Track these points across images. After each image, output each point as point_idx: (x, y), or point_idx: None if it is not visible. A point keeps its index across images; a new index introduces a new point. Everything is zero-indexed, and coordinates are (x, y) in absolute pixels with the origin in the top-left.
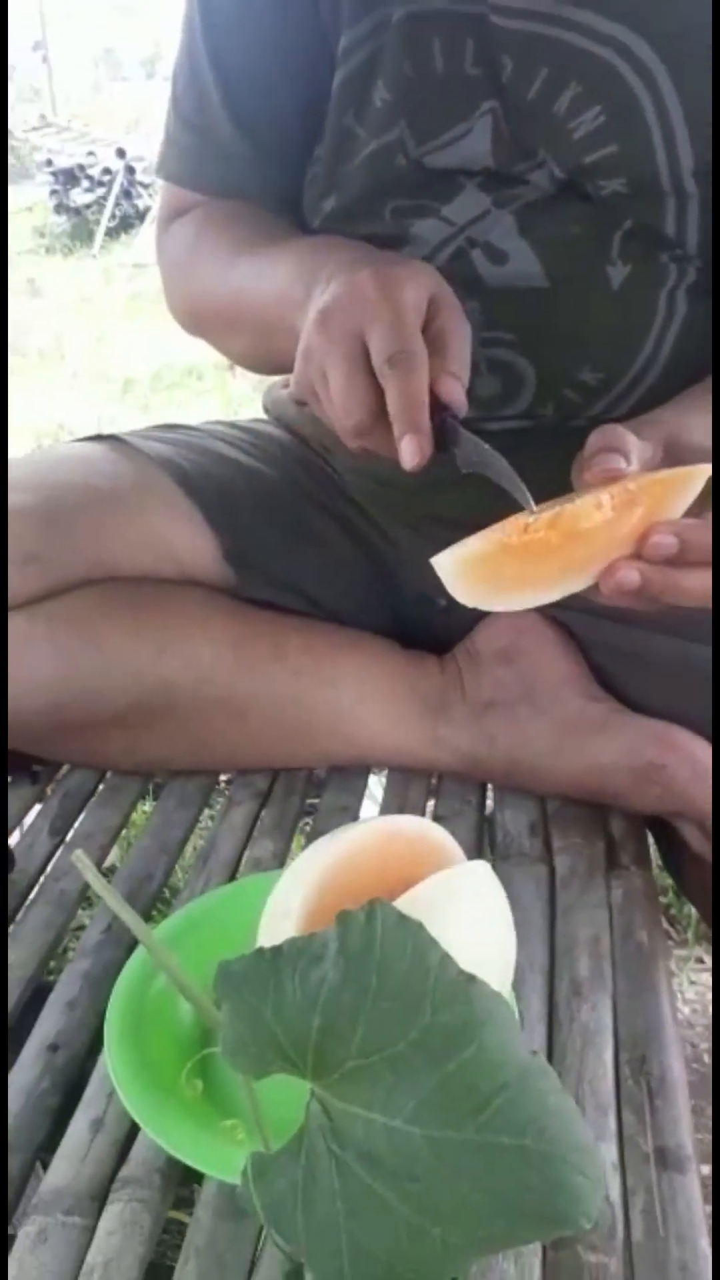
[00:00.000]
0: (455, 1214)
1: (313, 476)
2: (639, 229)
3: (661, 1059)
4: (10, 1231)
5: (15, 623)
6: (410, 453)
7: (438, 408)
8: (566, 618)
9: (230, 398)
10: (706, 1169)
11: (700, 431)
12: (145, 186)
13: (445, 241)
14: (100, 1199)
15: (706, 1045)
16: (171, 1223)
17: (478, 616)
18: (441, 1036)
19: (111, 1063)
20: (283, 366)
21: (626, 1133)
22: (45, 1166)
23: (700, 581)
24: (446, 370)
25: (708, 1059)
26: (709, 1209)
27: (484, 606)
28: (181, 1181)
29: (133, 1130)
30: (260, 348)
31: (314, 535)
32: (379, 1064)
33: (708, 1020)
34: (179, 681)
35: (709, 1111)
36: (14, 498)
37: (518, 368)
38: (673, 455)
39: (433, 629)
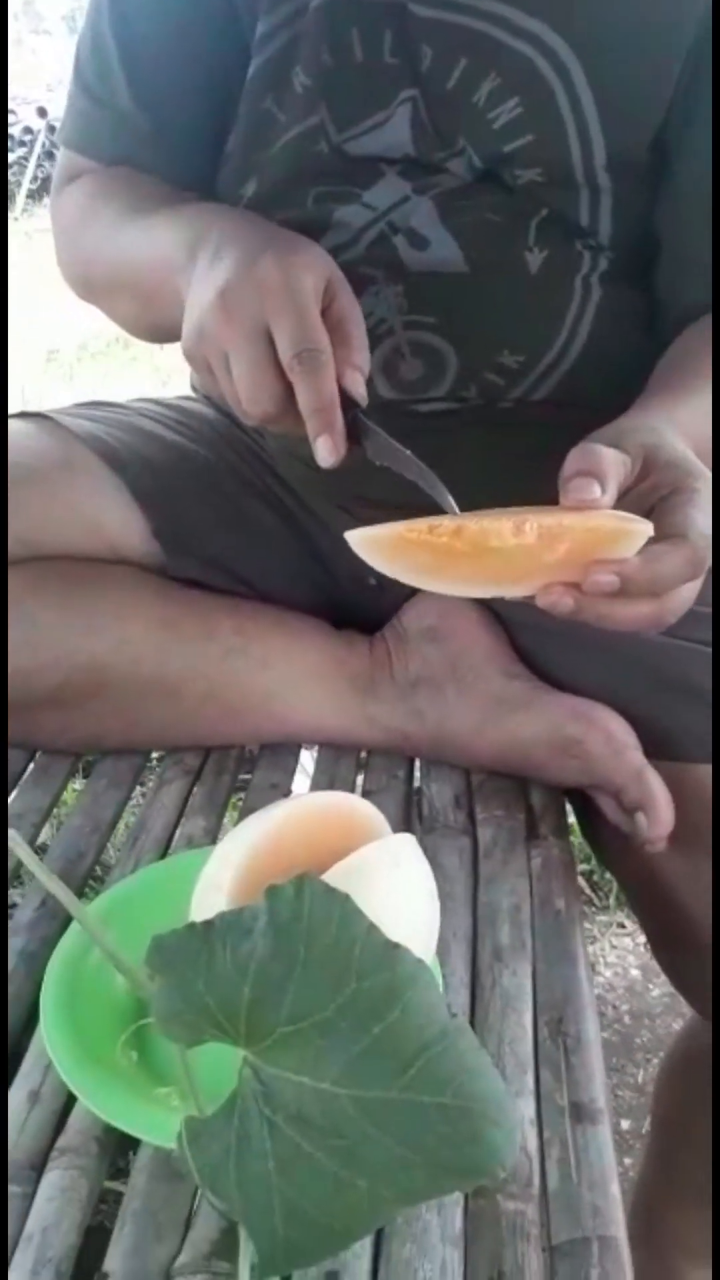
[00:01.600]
0: (381, 1168)
1: (242, 456)
2: (554, 217)
3: (577, 1020)
4: None
5: None
6: (326, 451)
7: (347, 402)
8: (494, 601)
9: (159, 367)
10: (626, 1124)
11: (679, 446)
12: None
13: (367, 226)
14: (39, 1168)
15: (627, 1008)
16: (109, 1192)
17: (408, 597)
18: (367, 1002)
19: (48, 1035)
20: (167, 332)
21: (544, 1089)
22: None
23: (637, 611)
24: (350, 363)
25: (629, 1020)
26: (630, 1163)
27: (405, 581)
28: (117, 1149)
29: (69, 1101)
30: (144, 313)
31: (244, 514)
32: (308, 1030)
33: (628, 983)
34: (110, 661)
35: (630, 1069)
36: None
37: (440, 351)
38: (651, 468)
39: (364, 608)
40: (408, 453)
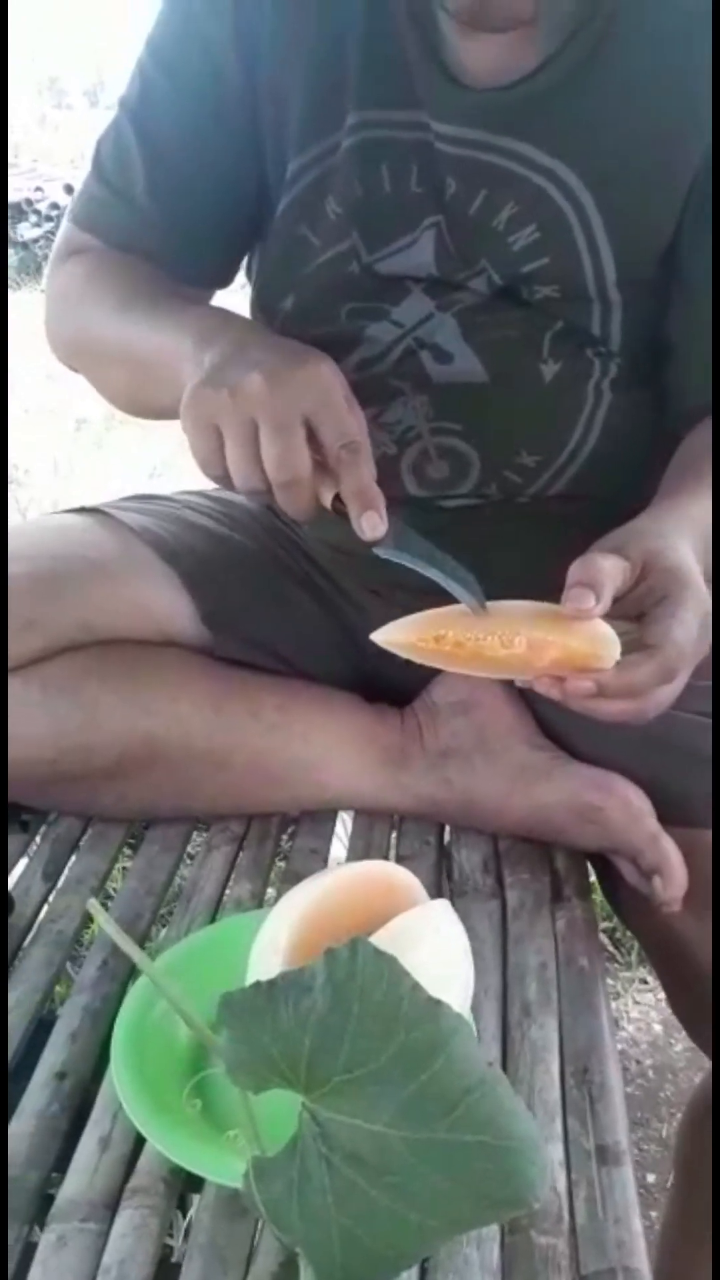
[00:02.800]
0: (429, 1202)
1: (280, 543)
2: (568, 329)
3: (601, 1070)
4: (32, 1239)
5: (10, 686)
6: (370, 526)
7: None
8: None
9: (184, 438)
10: (652, 1177)
11: (679, 553)
12: None
13: (395, 342)
14: (112, 1207)
15: (650, 1062)
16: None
17: (435, 672)
18: (414, 1052)
19: (118, 1084)
20: (150, 409)
21: (571, 1134)
22: (59, 1182)
23: (618, 708)
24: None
25: (652, 1075)
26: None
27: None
28: (183, 1189)
29: (137, 1146)
30: (134, 387)
31: (283, 598)
32: (362, 1077)
33: (651, 1038)
34: (163, 737)
35: (654, 1124)
36: (11, 567)
37: (464, 454)
38: (649, 572)
39: (394, 683)
40: (429, 545)
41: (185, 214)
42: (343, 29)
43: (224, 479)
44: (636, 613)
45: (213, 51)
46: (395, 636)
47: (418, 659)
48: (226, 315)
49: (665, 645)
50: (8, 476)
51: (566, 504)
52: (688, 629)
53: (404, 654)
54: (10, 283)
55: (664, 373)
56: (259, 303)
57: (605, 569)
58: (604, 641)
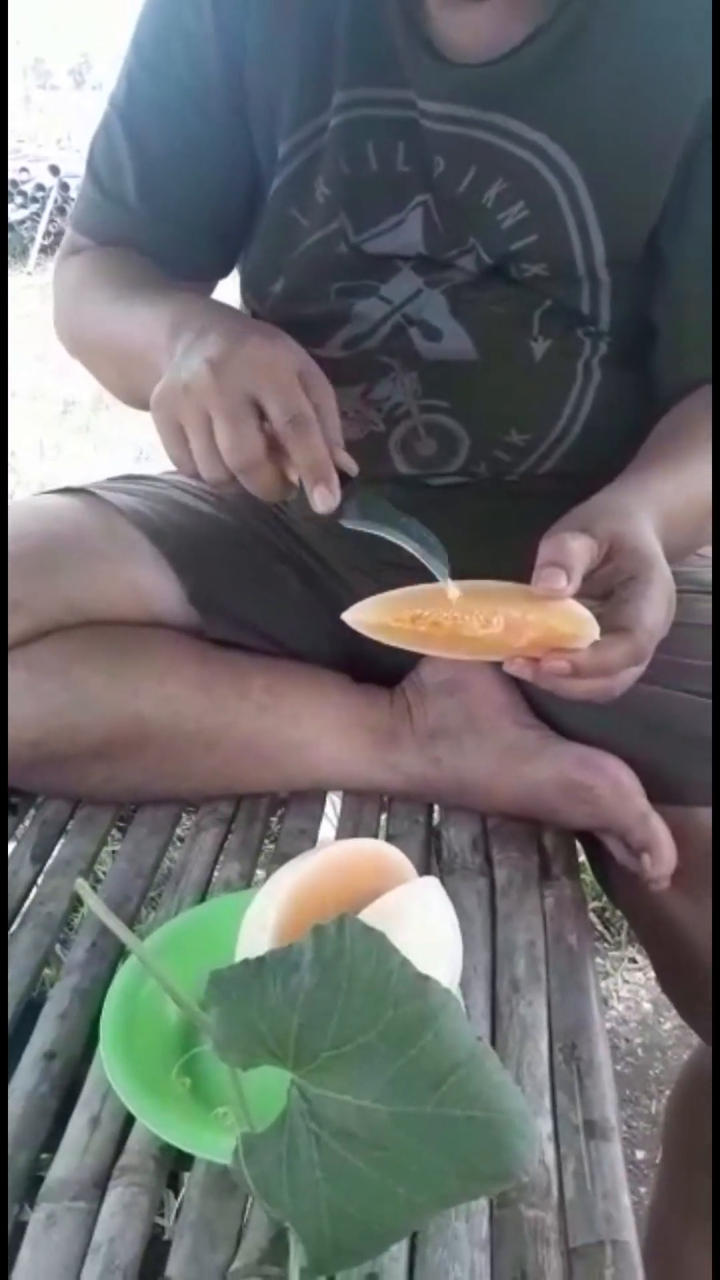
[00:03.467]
0: (417, 1176)
1: (267, 523)
2: (557, 308)
3: (589, 1046)
4: (22, 1219)
5: None
6: (321, 499)
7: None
8: None
9: None
10: (641, 1154)
11: (645, 532)
12: None
13: (384, 319)
14: (101, 1186)
15: (640, 1040)
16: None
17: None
18: (402, 1027)
19: (108, 1064)
20: (141, 400)
21: (559, 1109)
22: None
23: (587, 686)
24: (332, 441)
25: (641, 1053)
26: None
27: (391, 644)
28: (173, 1167)
29: (126, 1125)
30: (122, 379)
31: (272, 578)
32: (350, 1053)
33: (640, 1016)
34: (152, 718)
35: (643, 1101)
36: None
37: (453, 431)
38: (616, 552)
39: (383, 662)
40: (394, 512)
41: (176, 210)
42: (329, 9)
43: (196, 475)
44: (602, 591)
45: (194, 46)
46: (368, 617)
47: (391, 641)
48: (199, 304)
49: (636, 628)
50: (8, 467)
51: (555, 483)
52: (656, 610)
53: (377, 635)
54: None
55: (649, 351)
56: (249, 286)
57: (575, 549)
58: (583, 621)
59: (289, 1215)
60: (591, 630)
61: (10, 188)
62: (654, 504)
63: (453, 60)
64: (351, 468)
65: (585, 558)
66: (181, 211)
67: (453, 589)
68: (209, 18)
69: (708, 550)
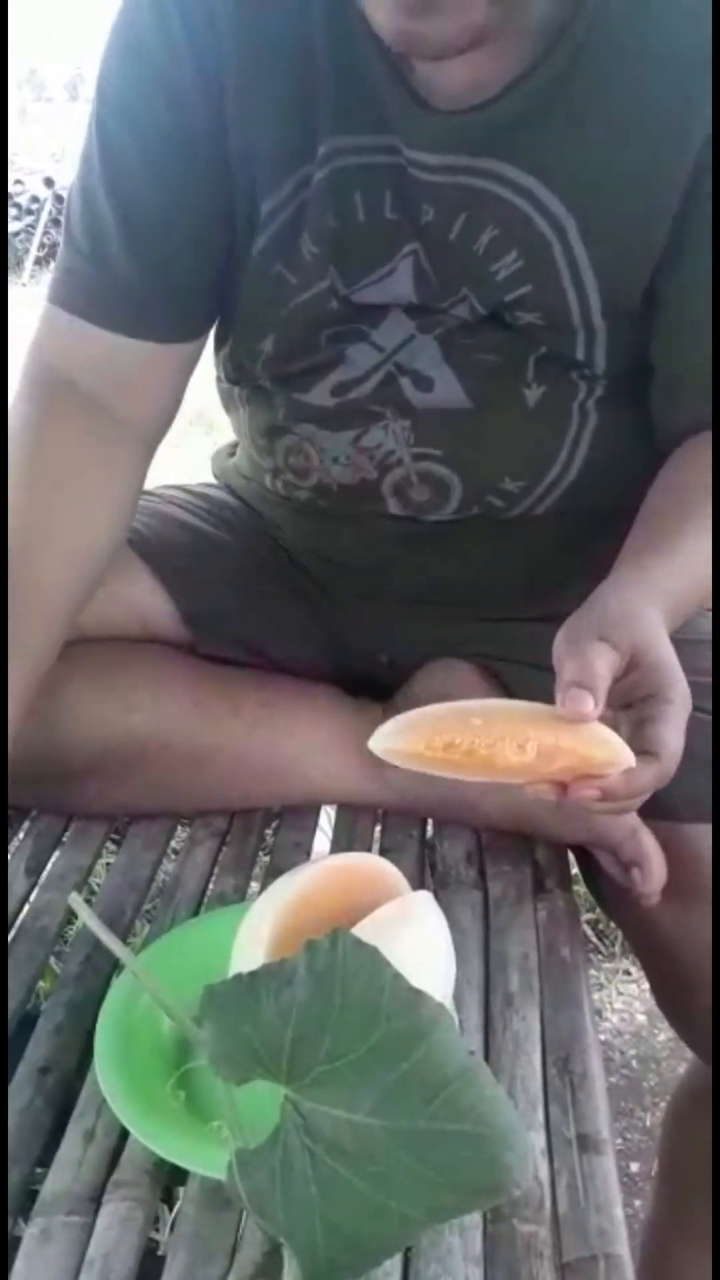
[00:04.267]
0: (410, 1191)
1: (261, 540)
2: (551, 354)
3: (583, 1059)
4: (16, 1234)
5: None
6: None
7: None
8: (496, 667)
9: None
10: (636, 1166)
11: (665, 643)
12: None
13: (375, 368)
14: (96, 1200)
15: (634, 1052)
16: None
17: (417, 666)
18: (395, 1042)
19: (102, 1078)
20: None
21: (553, 1123)
22: (44, 1177)
23: (608, 808)
24: None
25: (636, 1065)
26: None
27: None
28: (167, 1181)
29: (121, 1139)
30: None
31: (265, 596)
32: (343, 1068)
33: (634, 1028)
34: (145, 734)
35: (638, 1113)
36: None
37: (446, 479)
38: (636, 665)
39: (375, 679)
40: None
41: (165, 267)
42: (309, 60)
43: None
44: (620, 703)
45: (178, 99)
46: (397, 745)
47: (420, 768)
48: None
49: (663, 751)
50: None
51: (552, 522)
52: (680, 731)
53: (405, 764)
54: None
55: (647, 389)
56: (239, 344)
57: (600, 670)
58: (616, 749)
59: (283, 1230)
60: (626, 758)
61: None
62: (661, 599)
63: (438, 106)
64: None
65: (609, 676)
66: (172, 267)
67: (475, 708)
68: (189, 68)
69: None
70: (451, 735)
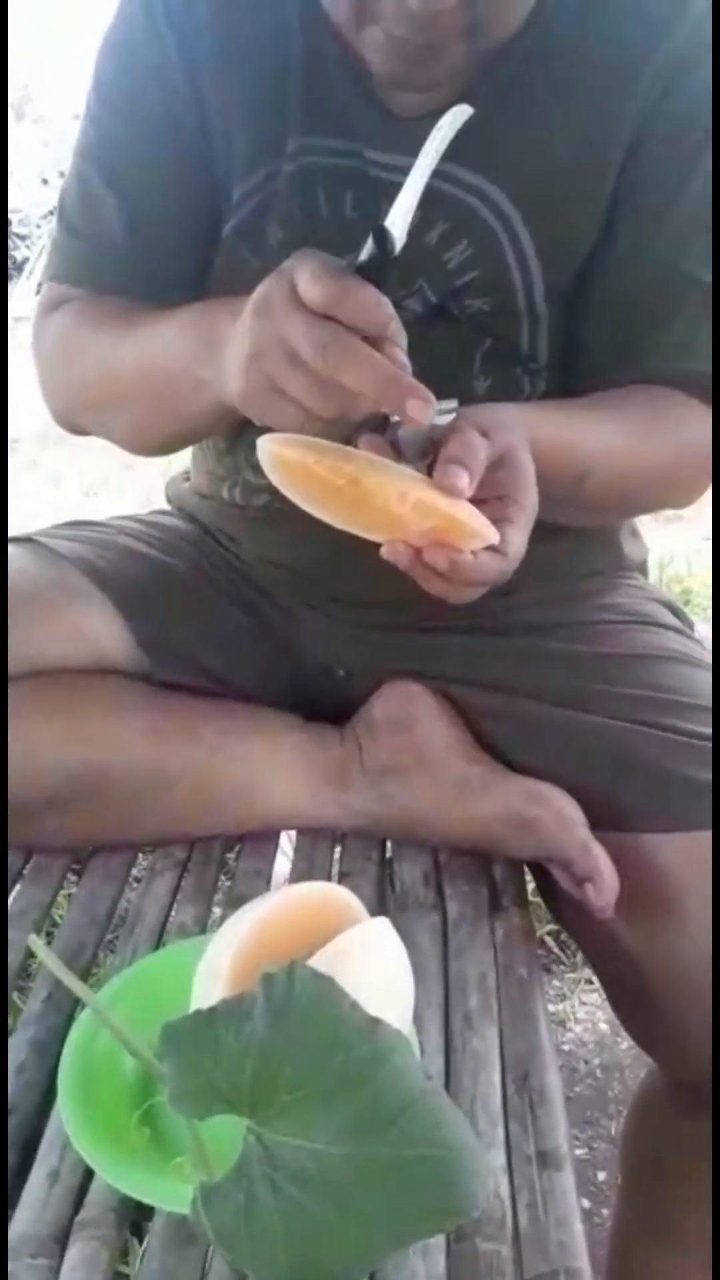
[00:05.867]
0: (373, 1216)
1: (215, 565)
2: (498, 346)
3: (540, 1076)
4: None
5: None
6: (415, 410)
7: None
8: (450, 689)
9: (121, 452)
10: (602, 1175)
11: (529, 459)
12: (22, 239)
13: None
14: (62, 1241)
15: (598, 1061)
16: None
17: (373, 685)
18: (354, 1070)
19: (66, 1118)
20: (180, 435)
21: (513, 1140)
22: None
23: (443, 588)
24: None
25: (600, 1074)
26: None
27: (283, 491)
28: (133, 1218)
29: (86, 1178)
30: (156, 417)
31: (220, 620)
32: (304, 1098)
33: (597, 1037)
34: (103, 765)
35: (603, 1122)
36: None
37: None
38: (501, 464)
39: (332, 698)
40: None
41: (163, 246)
42: (283, 63)
43: (330, 428)
44: (479, 496)
45: (165, 85)
46: (288, 451)
47: (289, 488)
48: (212, 308)
49: (509, 551)
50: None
51: None
52: (525, 537)
53: (286, 477)
54: None
55: (578, 372)
56: None
57: (479, 454)
58: (484, 523)
59: (248, 1262)
60: (491, 536)
61: None
62: (527, 427)
63: (397, 114)
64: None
65: (484, 462)
66: (167, 245)
67: (361, 454)
68: (174, 56)
69: (644, 583)
70: (339, 460)
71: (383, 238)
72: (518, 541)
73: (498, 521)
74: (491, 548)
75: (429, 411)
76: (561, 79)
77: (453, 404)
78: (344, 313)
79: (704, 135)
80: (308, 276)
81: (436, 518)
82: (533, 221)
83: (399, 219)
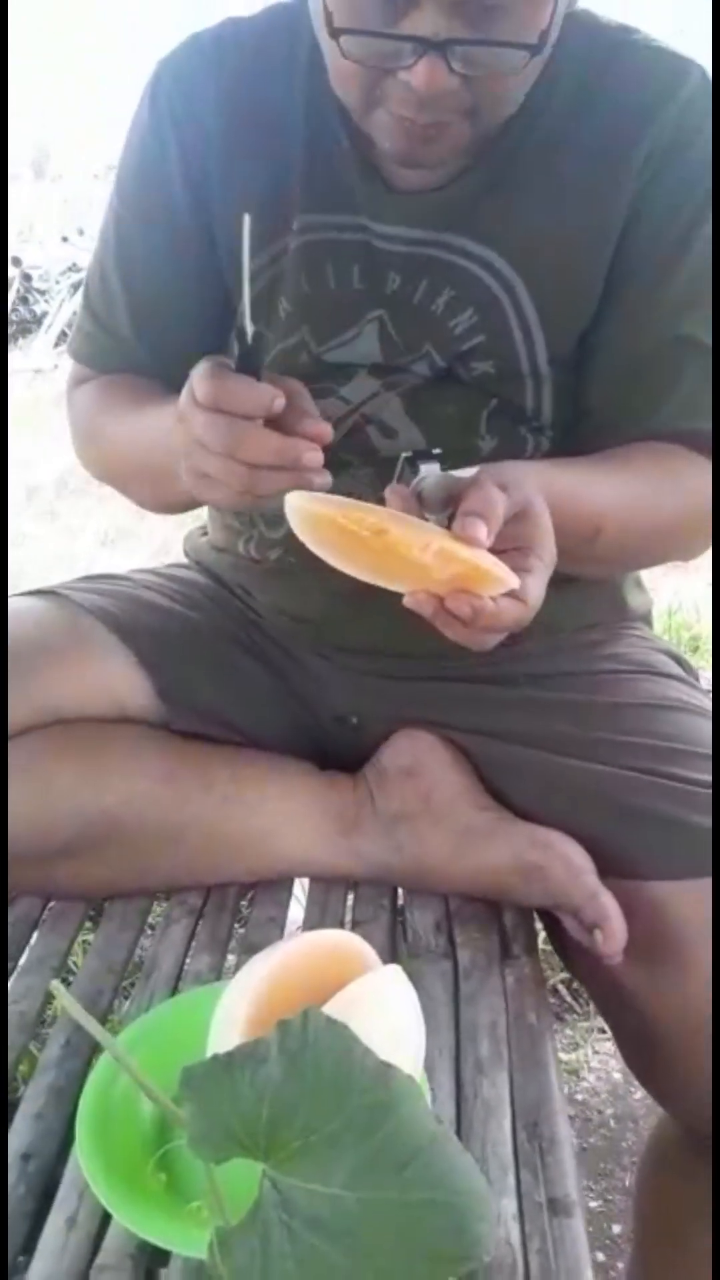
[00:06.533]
0: (385, 1260)
1: (231, 616)
2: (503, 407)
3: (550, 1124)
4: None
5: None
6: (312, 457)
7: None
8: (460, 738)
9: (135, 507)
10: (617, 1228)
11: (547, 513)
12: (42, 294)
13: (344, 418)
14: None
15: (611, 1111)
16: None
17: (384, 733)
18: (366, 1115)
19: (83, 1162)
20: (179, 506)
21: (524, 1188)
22: (27, 1265)
23: (467, 636)
24: (305, 413)
25: (614, 1124)
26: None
27: (309, 545)
28: (149, 1264)
29: (103, 1224)
30: (156, 491)
31: (235, 670)
32: (318, 1142)
33: (610, 1087)
34: (119, 813)
35: (617, 1174)
36: None
37: None
38: (521, 519)
39: (344, 745)
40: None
41: (166, 341)
42: (286, 147)
43: (261, 501)
44: (499, 548)
45: (165, 187)
46: (314, 506)
47: (317, 543)
48: None
49: (528, 599)
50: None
51: None
52: (543, 587)
53: (312, 531)
54: None
55: (585, 431)
56: None
57: (497, 507)
58: (505, 570)
59: None
60: (511, 582)
61: None
62: (544, 483)
63: (400, 189)
64: (324, 435)
65: (502, 515)
66: (172, 341)
67: (383, 510)
68: (174, 157)
69: (648, 633)
70: (365, 513)
71: (242, 336)
72: (536, 590)
73: (517, 570)
74: (512, 594)
75: (318, 461)
76: (558, 157)
77: (472, 471)
78: (226, 403)
79: (698, 209)
80: (198, 380)
81: (459, 565)
82: (535, 289)
83: (245, 315)
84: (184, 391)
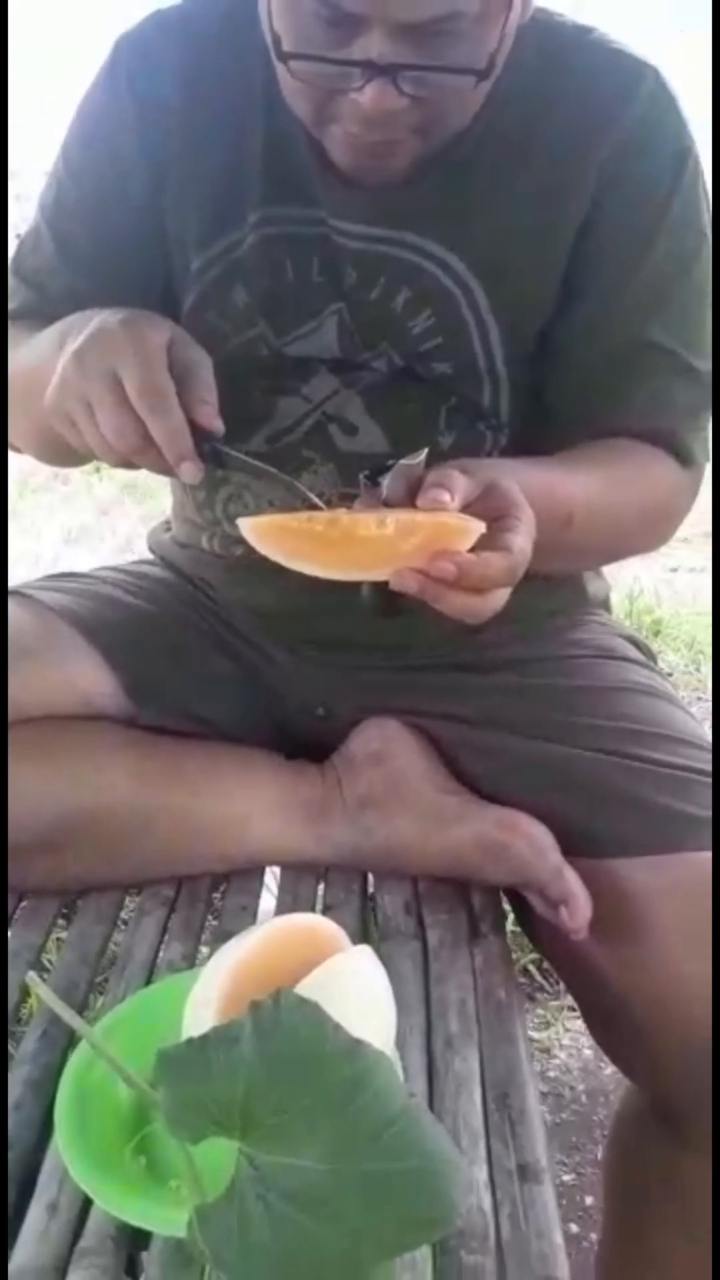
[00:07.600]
0: (360, 1228)
1: (196, 610)
2: (461, 404)
3: (519, 1094)
4: None
5: None
6: (189, 473)
7: (202, 434)
8: (427, 725)
9: (98, 498)
10: (590, 1200)
11: (515, 486)
12: None
13: (305, 415)
14: (62, 1271)
15: (583, 1087)
16: None
17: (351, 722)
18: (339, 1090)
19: (62, 1147)
20: (61, 445)
21: (494, 1156)
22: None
23: (463, 601)
24: (200, 399)
25: (585, 1099)
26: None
27: (273, 557)
28: (131, 1245)
29: (84, 1209)
30: (27, 416)
31: (202, 664)
32: (292, 1118)
33: (582, 1063)
34: (90, 808)
35: (589, 1147)
36: None
37: None
38: (490, 494)
39: (312, 735)
40: (271, 469)
41: (100, 285)
42: (243, 135)
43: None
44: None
45: (119, 161)
46: (263, 519)
47: (279, 551)
48: (88, 312)
49: (513, 548)
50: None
51: None
52: (527, 539)
53: (263, 546)
54: None
55: (549, 429)
56: None
57: (457, 479)
58: (467, 519)
59: (242, 1279)
60: (478, 526)
61: None
62: (511, 471)
63: (358, 184)
64: (217, 429)
65: (464, 489)
66: (107, 289)
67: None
68: (134, 136)
69: (607, 619)
70: (315, 514)
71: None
72: (521, 540)
73: (499, 531)
74: (495, 546)
75: (193, 477)
76: (516, 158)
77: (421, 455)
78: (153, 425)
79: (658, 209)
80: (179, 336)
81: (420, 529)
82: (492, 290)
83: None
84: (116, 324)
